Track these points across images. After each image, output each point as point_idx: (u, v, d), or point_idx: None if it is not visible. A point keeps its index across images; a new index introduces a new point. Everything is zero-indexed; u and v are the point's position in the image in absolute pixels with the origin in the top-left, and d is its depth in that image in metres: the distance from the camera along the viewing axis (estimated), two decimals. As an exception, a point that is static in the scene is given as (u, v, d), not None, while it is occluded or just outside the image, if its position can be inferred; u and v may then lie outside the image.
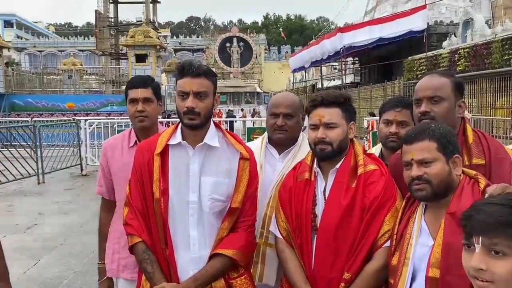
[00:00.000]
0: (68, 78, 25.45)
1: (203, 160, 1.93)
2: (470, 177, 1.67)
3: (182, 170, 1.91)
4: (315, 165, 1.98)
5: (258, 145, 2.34)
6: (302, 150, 2.25)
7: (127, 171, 2.04)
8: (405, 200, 1.78)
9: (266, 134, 2.43)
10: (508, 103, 12.81)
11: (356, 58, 28.25)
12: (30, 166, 10.57)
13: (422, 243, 1.64)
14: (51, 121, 16.84)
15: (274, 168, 2.28)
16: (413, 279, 1.64)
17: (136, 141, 2.33)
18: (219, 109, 26.11)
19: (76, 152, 12.43)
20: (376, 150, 2.56)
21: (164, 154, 1.92)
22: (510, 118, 11.59)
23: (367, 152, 2.06)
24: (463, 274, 1.36)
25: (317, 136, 1.91)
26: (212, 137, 1.94)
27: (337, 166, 1.92)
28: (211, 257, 1.89)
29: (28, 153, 11.05)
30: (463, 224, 1.23)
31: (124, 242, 2.24)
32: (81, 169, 11.79)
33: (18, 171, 10.34)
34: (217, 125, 2.01)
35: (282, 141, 2.29)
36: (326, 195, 1.91)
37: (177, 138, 1.93)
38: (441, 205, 1.62)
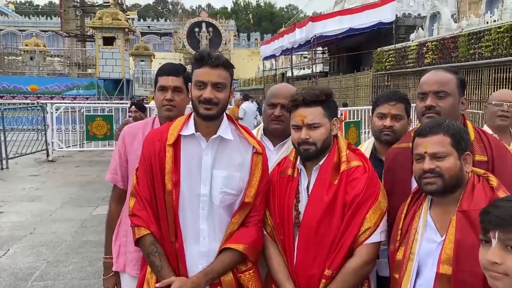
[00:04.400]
0: (31, 59, 24.52)
1: (215, 152, 1.89)
2: (478, 175, 1.68)
3: (194, 162, 1.87)
4: (298, 162, 1.97)
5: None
6: None
7: None
8: (410, 195, 1.79)
9: (262, 125, 2.41)
10: (473, 95, 13.19)
11: (326, 48, 28.39)
12: (-8, 151, 10.15)
13: (428, 239, 1.64)
14: (13, 104, 16.21)
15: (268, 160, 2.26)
16: (417, 274, 1.64)
17: None
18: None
19: (41, 136, 12.01)
20: (369, 144, 2.54)
21: (176, 145, 1.86)
22: (475, 111, 11.98)
23: (353, 147, 2.04)
24: (475, 271, 1.38)
25: (300, 137, 1.89)
26: (225, 129, 1.90)
27: (320, 163, 1.92)
28: (221, 251, 1.86)
29: (-10, 137, 10.60)
30: (481, 220, 1.26)
31: (131, 236, 2.17)
32: (47, 155, 11.40)
33: (-20, 156, 9.92)
34: (230, 118, 1.97)
35: (278, 132, 2.28)
36: (310, 192, 1.90)
37: (190, 129, 1.88)
38: (449, 201, 1.63)
